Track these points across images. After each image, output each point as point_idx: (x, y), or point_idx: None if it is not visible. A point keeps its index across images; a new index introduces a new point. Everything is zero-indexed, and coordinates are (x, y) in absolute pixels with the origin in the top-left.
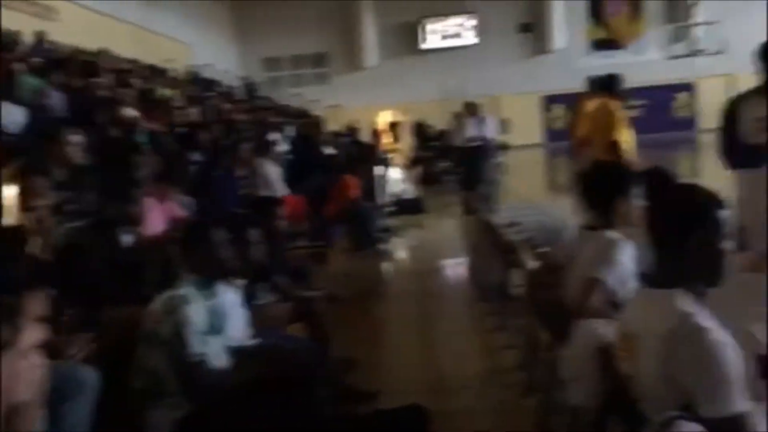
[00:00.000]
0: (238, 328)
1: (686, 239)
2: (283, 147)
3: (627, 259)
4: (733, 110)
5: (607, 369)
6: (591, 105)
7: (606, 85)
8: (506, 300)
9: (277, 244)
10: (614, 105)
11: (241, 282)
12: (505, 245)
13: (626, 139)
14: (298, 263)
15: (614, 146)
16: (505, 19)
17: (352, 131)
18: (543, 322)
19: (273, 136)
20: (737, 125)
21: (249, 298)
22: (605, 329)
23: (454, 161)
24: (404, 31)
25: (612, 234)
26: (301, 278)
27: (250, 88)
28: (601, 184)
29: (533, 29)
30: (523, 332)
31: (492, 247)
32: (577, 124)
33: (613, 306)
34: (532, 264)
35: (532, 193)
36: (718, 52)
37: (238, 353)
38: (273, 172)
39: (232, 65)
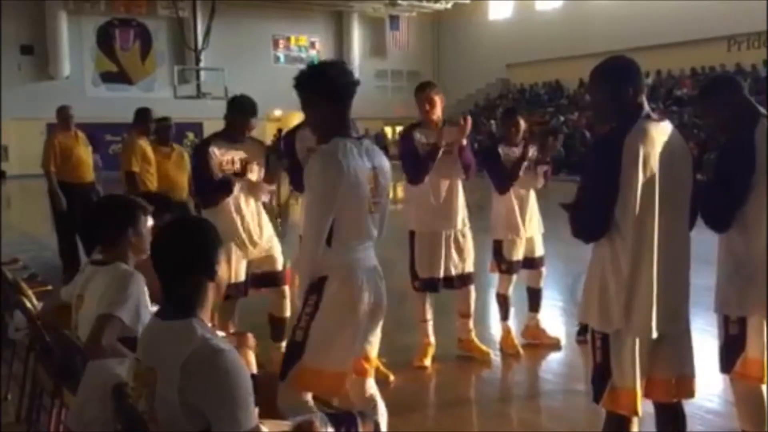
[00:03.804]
0: None
1: (192, 272)
2: None
3: (141, 291)
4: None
5: (122, 408)
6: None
7: (135, 118)
8: (5, 345)
9: None
10: (139, 137)
11: None
12: (4, 284)
13: (151, 170)
14: None
15: (131, 177)
16: (6, 38)
17: None
18: (48, 367)
19: None
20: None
21: None
22: (120, 368)
23: None
24: None
25: (123, 267)
26: None
27: None
28: (105, 218)
29: (35, 53)
30: (25, 380)
31: None
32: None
33: (129, 342)
34: (36, 304)
35: (34, 226)
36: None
37: None
38: None
39: None
